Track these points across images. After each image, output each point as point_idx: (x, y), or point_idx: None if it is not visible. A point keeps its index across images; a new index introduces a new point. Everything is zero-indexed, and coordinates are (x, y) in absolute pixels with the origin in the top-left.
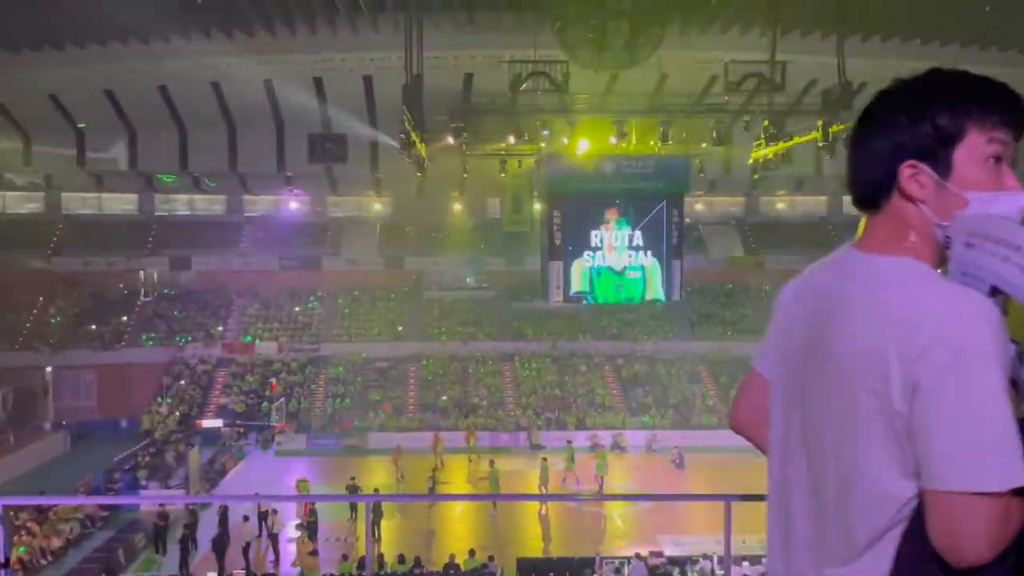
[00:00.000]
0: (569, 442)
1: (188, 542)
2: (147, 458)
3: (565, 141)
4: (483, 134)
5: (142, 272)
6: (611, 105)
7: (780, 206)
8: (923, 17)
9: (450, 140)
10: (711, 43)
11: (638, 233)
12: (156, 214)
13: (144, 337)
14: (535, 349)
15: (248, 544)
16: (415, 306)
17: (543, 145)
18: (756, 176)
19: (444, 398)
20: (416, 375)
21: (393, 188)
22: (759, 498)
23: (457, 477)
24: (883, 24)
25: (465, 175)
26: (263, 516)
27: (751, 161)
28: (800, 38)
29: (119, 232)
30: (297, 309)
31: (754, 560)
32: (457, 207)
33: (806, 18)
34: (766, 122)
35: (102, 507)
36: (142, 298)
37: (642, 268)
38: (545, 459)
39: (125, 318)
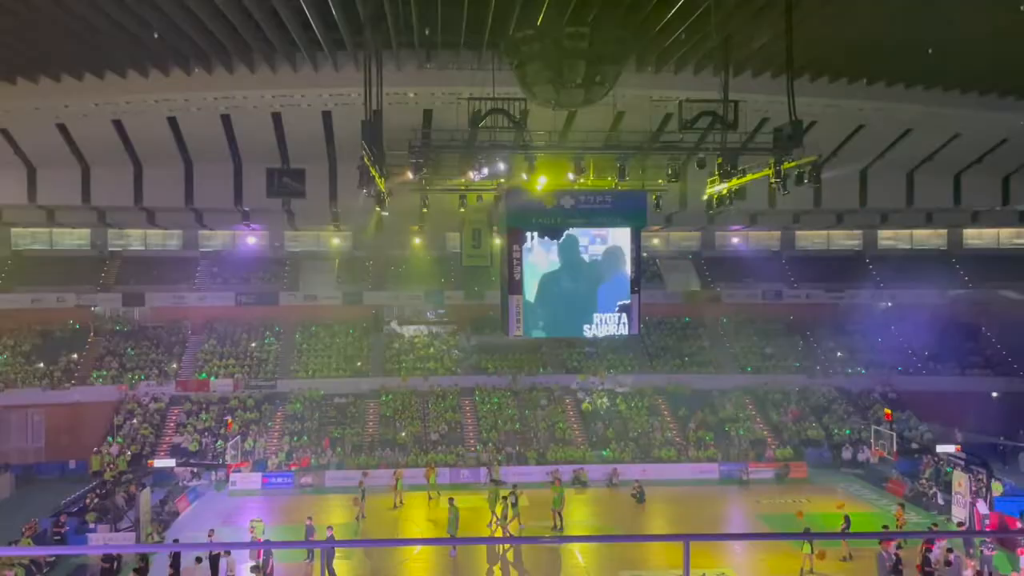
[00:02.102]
0: (495, 481)
1: None
2: (96, 500)
3: (524, 177)
4: (442, 169)
5: (93, 308)
6: (569, 141)
7: (735, 240)
8: (869, 58)
9: (409, 175)
10: (665, 82)
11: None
12: (109, 249)
13: (95, 375)
14: (495, 383)
15: None
16: (374, 341)
17: (502, 180)
18: (711, 211)
19: (403, 434)
20: (375, 411)
21: (352, 223)
22: (716, 536)
23: (417, 514)
24: (831, 65)
25: (425, 210)
26: (216, 559)
27: (706, 197)
28: (751, 78)
29: (70, 267)
30: (254, 345)
31: None
32: (417, 242)
33: (757, 59)
34: (720, 159)
35: None
36: (92, 335)
37: None
38: (505, 497)
39: (75, 355)
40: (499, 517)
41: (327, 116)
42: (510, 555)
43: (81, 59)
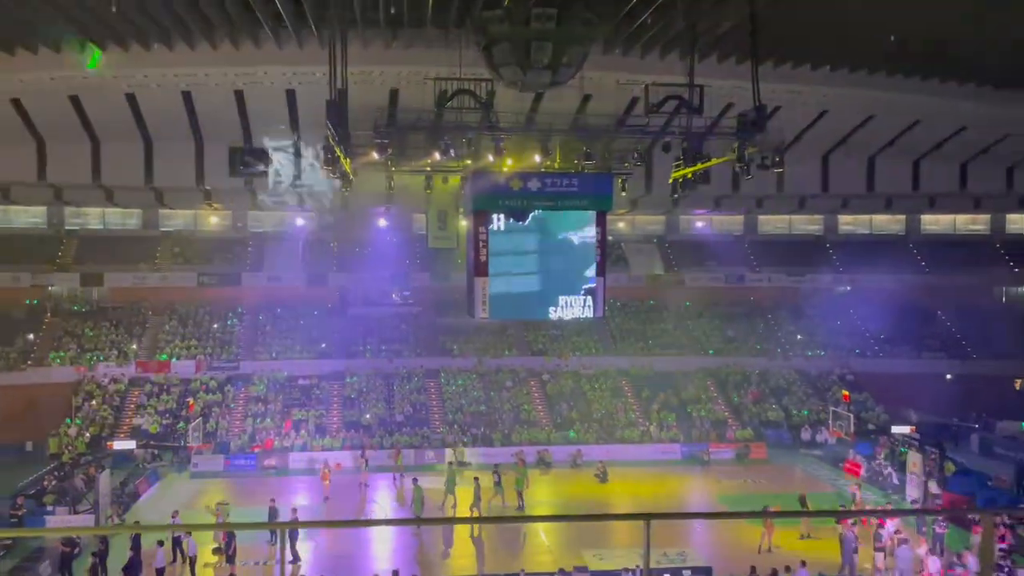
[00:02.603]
0: (451, 464)
1: (98, 570)
2: (54, 482)
3: (490, 158)
4: (408, 150)
5: (50, 288)
6: (535, 124)
7: (699, 225)
8: (832, 46)
9: (375, 155)
10: (632, 66)
11: None
12: (66, 227)
13: (52, 356)
14: (461, 365)
15: (162, 570)
16: (339, 322)
17: (468, 162)
18: (676, 195)
19: (368, 416)
20: (340, 393)
21: (317, 203)
22: (677, 515)
23: (382, 496)
24: (795, 52)
25: (390, 189)
26: (177, 540)
27: (671, 181)
28: (717, 63)
29: (26, 246)
30: (216, 326)
31: (674, 572)
32: (383, 223)
33: (722, 45)
34: (685, 143)
35: None
36: (49, 315)
37: None
38: (477, 478)
39: (32, 336)
40: (454, 499)
41: (291, 94)
42: (484, 535)
43: (36, 32)
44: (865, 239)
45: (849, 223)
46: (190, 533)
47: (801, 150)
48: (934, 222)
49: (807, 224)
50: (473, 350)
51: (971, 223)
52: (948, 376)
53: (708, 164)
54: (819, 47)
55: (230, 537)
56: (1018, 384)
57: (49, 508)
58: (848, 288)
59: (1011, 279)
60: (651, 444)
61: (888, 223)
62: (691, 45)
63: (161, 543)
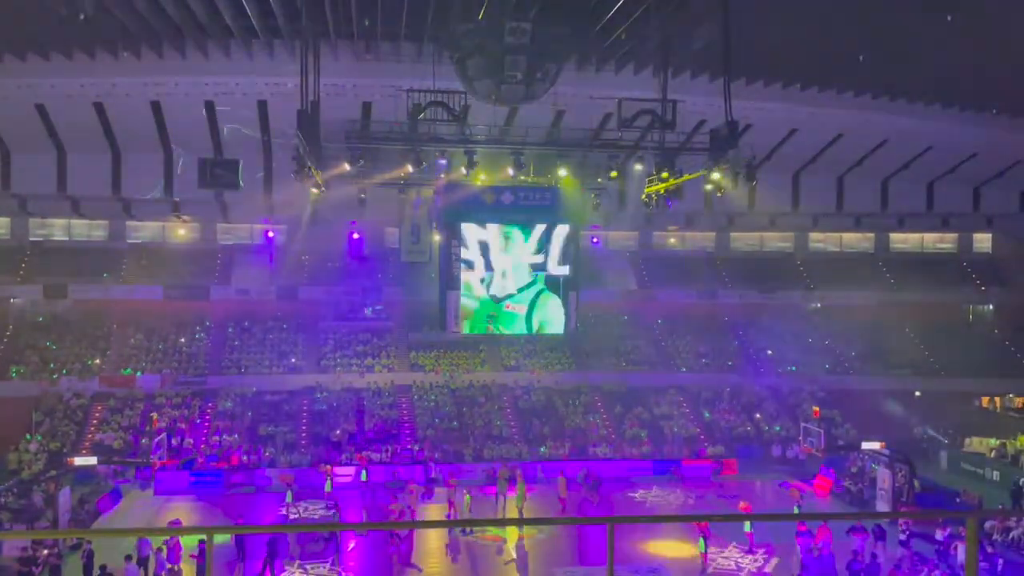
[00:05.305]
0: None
1: None
2: (11, 499)
3: (464, 171)
4: (381, 163)
5: (12, 300)
6: (509, 137)
7: (671, 241)
8: (803, 64)
9: (347, 167)
10: (606, 81)
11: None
12: (30, 239)
13: (13, 370)
14: (433, 380)
15: None
16: (309, 337)
17: (442, 175)
18: (648, 211)
19: (339, 431)
20: (310, 408)
21: (287, 216)
22: (640, 519)
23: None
24: (767, 69)
25: (363, 195)
26: (144, 562)
27: (644, 197)
28: (690, 79)
29: None
30: (183, 340)
31: None
32: (355, 236)
33: (695, 61)
34: (658, 159)
35: None
36: (11, 328)
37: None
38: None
39: None
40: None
41: (263, 106)
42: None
43: (1, 39)
44: (835, 257)
45: (819, 241)
46: (161, 549)
47: (772, 168)
48: (903, 240)
49: (778, 242)
50: (445, 365)
51: (939, 242)
52: (917, 392)
53: (681, 180)
54: (789, 66)
55: (202, 555)
56: (985, 402)
57: (6, 526)
58: (818, 305)
59: (978, 297)
60: (623, 460)
61: (857, 241)
62: (664, 61)
63: (128, 558)
